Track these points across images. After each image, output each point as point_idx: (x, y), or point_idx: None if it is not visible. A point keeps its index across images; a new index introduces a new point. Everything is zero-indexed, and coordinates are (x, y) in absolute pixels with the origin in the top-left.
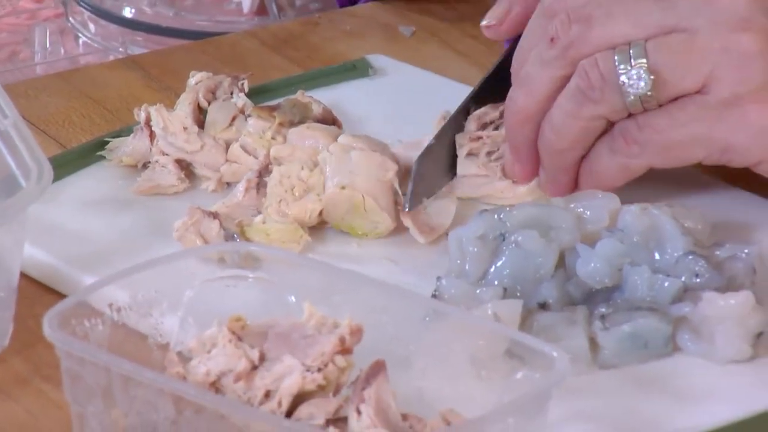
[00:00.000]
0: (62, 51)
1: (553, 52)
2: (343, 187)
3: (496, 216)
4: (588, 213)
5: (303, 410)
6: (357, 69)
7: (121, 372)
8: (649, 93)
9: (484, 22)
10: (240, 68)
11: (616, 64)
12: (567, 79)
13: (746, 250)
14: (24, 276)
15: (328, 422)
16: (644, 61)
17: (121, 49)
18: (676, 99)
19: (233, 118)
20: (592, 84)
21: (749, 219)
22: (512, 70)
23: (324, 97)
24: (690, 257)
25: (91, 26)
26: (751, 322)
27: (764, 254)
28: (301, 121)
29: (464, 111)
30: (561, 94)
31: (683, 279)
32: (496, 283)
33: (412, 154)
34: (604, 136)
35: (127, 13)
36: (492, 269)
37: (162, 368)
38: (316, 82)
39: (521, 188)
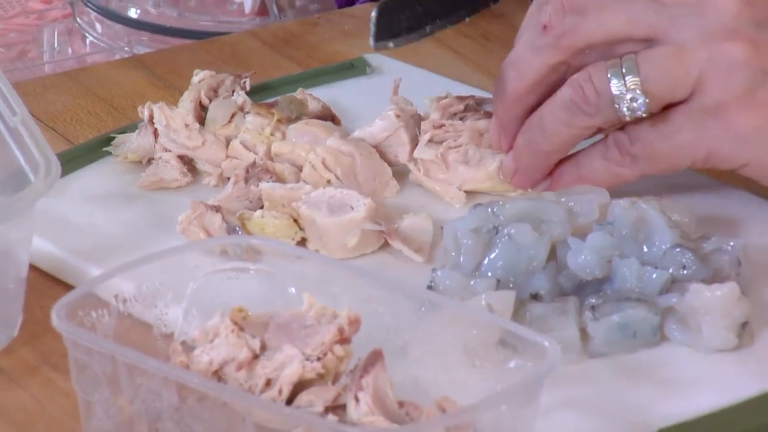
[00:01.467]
0: (70, 50)
1: (545, 40)
2: (316, 250)
3: (489, 210)
4: (578, 207)
5: (303, 398)
6: (355, 68)
7: (127, 361)
8: (643, 112)
9: None
10: (241, 67)
11: (609, 78)
12: (557, 66)
13: (732, 243)
14: (33, 268)
15: (327, 409)
16: (637, 80)
17: (126, 49)
18: (664, 107)
19: (232, 115)
20: (587, 98)
21: (735, 213)
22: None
23: (323, 94)
24: (677, 250)
25: (98, 26)
26: (736, 313)
27: (749, 247)
28: (299, 118)
29: None
30: (553, 102)
31: (671, 271)
32: (489, 274)
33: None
34: (598, 144)
35: (133, 13)
36: (485, 261)
37: (166, 357)
38: (316, 80)
39: (479, 174)
